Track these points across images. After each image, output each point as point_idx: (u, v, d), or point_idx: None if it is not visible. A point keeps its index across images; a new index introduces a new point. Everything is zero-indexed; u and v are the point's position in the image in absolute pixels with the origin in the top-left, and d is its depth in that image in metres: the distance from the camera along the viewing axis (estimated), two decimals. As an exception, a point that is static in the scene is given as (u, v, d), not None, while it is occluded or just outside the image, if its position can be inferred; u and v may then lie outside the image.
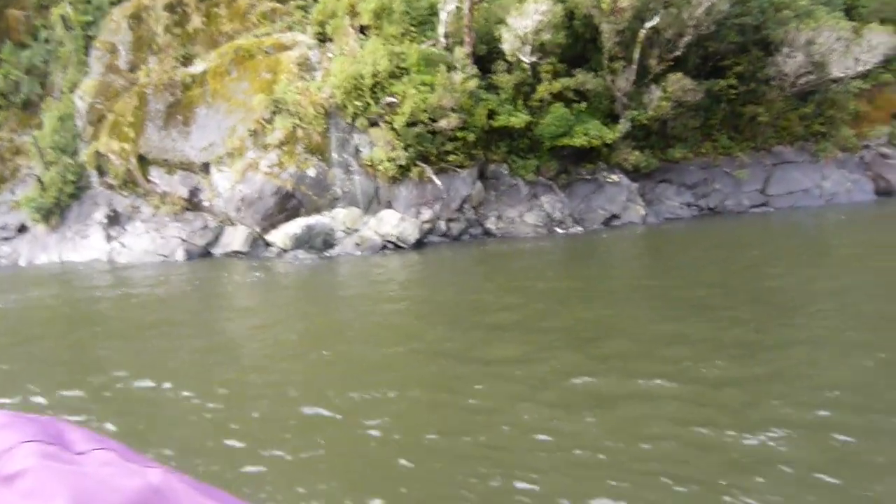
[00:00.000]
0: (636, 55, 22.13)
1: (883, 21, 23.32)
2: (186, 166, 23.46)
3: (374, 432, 6.65)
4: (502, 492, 5.34)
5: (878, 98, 24.07)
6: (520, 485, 5.40)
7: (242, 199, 21.42)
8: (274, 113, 21.95)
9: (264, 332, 11.74)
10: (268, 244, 21.22)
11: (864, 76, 23.00)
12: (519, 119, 21.54)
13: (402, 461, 5.97)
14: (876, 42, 22.01)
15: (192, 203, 23.31)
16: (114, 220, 24.32)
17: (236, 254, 21.39)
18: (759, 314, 10.08)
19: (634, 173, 22.61)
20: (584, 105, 22.23)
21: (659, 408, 6.82)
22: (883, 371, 7.47)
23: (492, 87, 22.04)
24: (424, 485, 5.57)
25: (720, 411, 6.58)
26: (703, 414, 6.55)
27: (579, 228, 21.24)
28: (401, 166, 21.15)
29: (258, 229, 21.43)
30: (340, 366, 9.13)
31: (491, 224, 21.29)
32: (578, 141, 21.66)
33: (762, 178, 23.24)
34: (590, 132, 21.72)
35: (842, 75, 22.65)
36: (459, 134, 21.35)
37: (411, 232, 20.22)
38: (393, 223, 20.48)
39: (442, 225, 20.94)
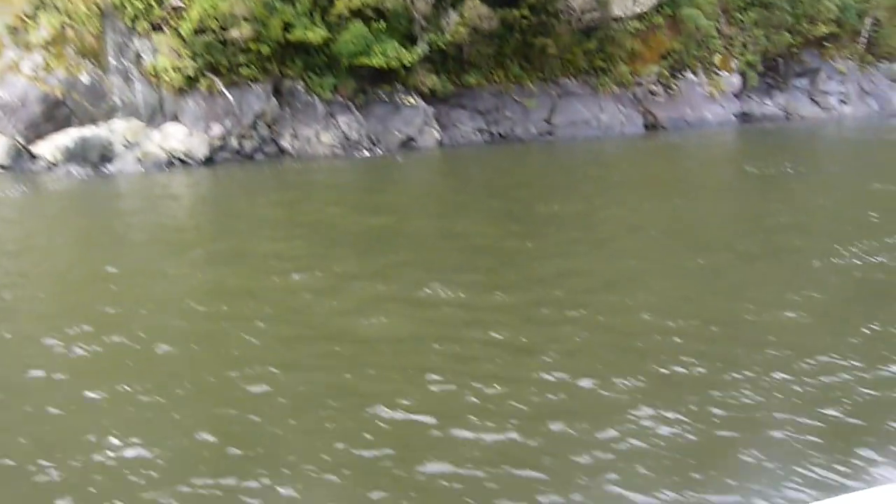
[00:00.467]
0: (436, -23, 22.15)
1: (659, -34, 25.10)
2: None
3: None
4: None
5: (651, 39, 26.10)
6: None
7: (2, 105, 19.05)
8: (37, 8, 19.49)
9: (21, 251, 10.76)
10: (34, 157, 19.15)
11: (640, 17, 24.81)
12: (316, 34, 20.89)
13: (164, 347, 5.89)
14: (652, -15, 23.75)
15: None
16: None
17: (-5, 166, 19.12)
18: (533, 225, 10.88)
19: (431, 97, 22.94)
20: (383, 24, 21.98)
21: (438, 310, 7.27)
22: (636, 265, 8.45)
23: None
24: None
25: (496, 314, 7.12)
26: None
27: (376, 150, 21.34)
28: (188, 77, 19.83)
29: (22, 140, 19.23)
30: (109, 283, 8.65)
31: (286, 143, 20.75)
32: (377, 61, 21.48)
33: (548, 107, 24.58)
34: (388, 53, 21.59)
35: (622, 15, 24.29)
36: (253, 46, 20.34)
37: (200, 148, 19.20)
38: (180, 138, 19.30)
39: (233, 142, 20.06)
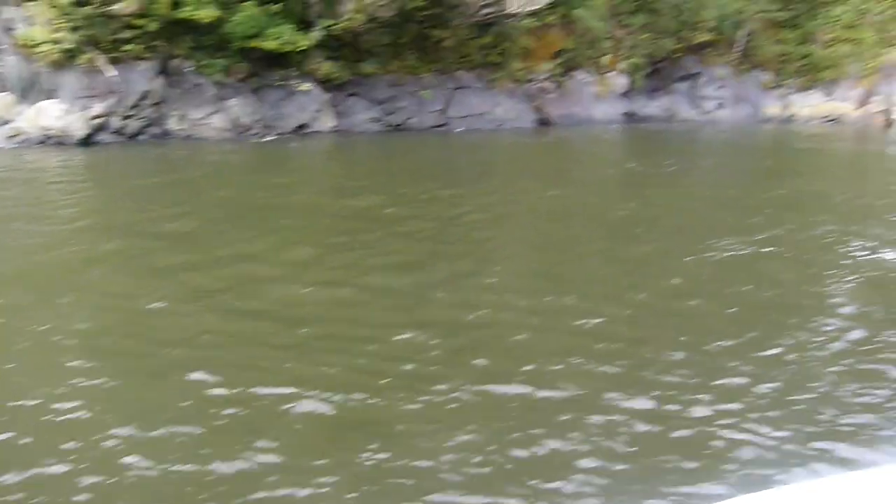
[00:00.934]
0: (333, -38, 21.90)
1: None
2: None
3: None
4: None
5: (544, 37, 26.79)
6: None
7: None
8: None
9: None
10: None
11: (534, 15, 25.41)
12: (207, 13, 20.22)
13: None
14: (545, -16, 24.41)
15: None
16: None
17: None
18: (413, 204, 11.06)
19: (326, 84, 22.69)
20: (278, 6, 21.53)
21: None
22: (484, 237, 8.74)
23: (178, -26, 20.33)
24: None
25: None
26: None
27: (268, 135, 20.92)
28: (66, 50, 18.78)
29: None
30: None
31: (173, 124, 20.01)
32: (271, 44, 21.06)
33: (444, 99, 24.82)
34: (283, 36, 21.20)
35: (517, 11, 24.81)
36: (139, 21, 19.49)
37: (78, 127, 18.23)
38: (55, 115, 18.25)
39: (116, 121, 19.17)
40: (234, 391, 5.42)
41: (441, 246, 9.90)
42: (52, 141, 17.97)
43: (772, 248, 10.04)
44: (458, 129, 24.41)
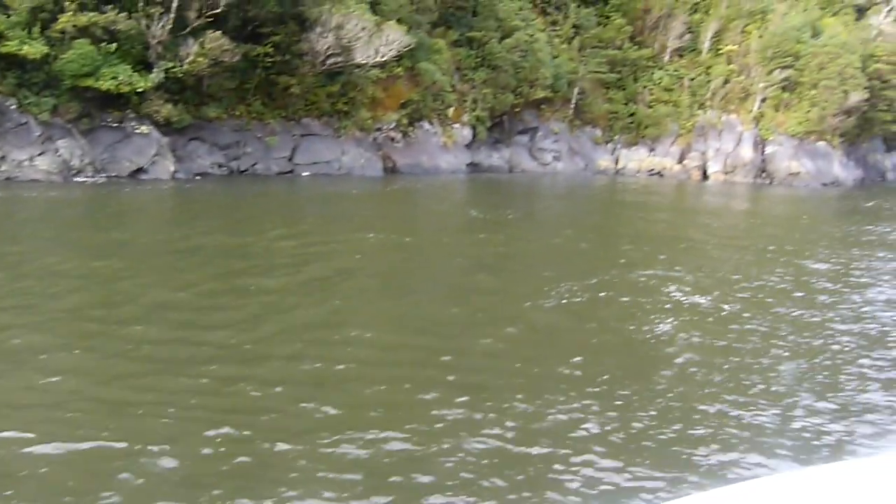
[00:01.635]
0: (175, 3, 21.44)
1: (400, 21, 26.66)
2: None
3: None
4: None
5: (391, 88, 27.52)
6: None
7: None
8: None
9: None
10: None
11: (381, 66, 26.04)
12: (34, 49, 19.14)
13: None
14: (392, 38, 25.17)
15: None
16: None
17: None
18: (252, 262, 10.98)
19: (166, 127, 21.98)
20: (113, 46, 20.72)
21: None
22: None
23: (2, 6, 19.15)
24: None
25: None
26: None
27: (101, 178, 19.93)
28: None
29: None
30: None
31: (-7, 165, 18.61)
32: (105, 84, 20.20)
33: (290, 146, 24.77)
34: (119, 76, 20.40)
35: (364, 62, 25.30)
36: (-46, 55, 18.12)
37: None
38: None
39: (-77, 160, 17.58)
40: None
41: (276, 297, 9.88)
42: None
43: (605, 293, 10.93)
44: (305, 174, 24.39)
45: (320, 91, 25.67)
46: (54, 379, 6.60)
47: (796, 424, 6.59)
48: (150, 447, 5.39)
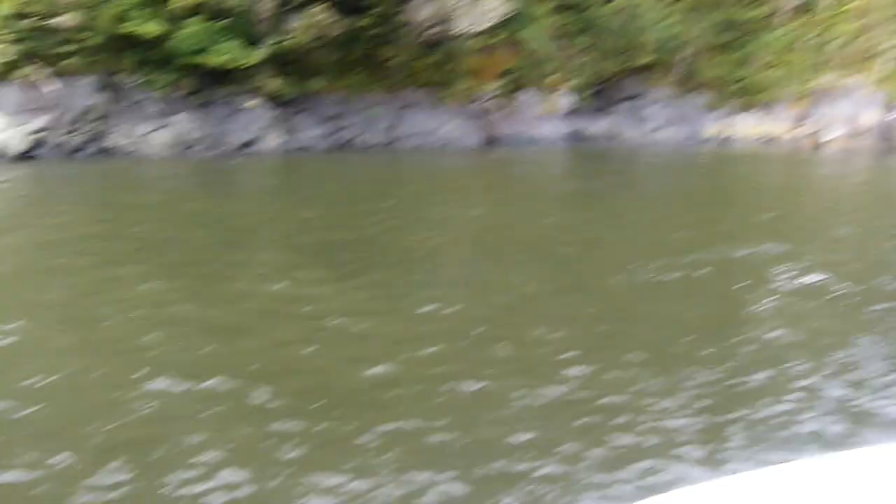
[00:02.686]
0: (281, -21, 21.99)
1: (500, -13, 26.29)
2: None
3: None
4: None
5: (491, 57, 27.27)
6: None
7: None
8: None
9: None
10: None
11: (481, 35, 25.86)
12: (152, 28, 20.12)
13: None
14: (492, 6, 24.93)
15: None
16: None
17: None
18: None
19: (273, 100, 22.71)
20: (225, 22, 21.51)
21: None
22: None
23: (120, -12, 20.19)
24: None
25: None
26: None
27: (213, 152, 20.86)
28: (5, 63, 18.49)
29: None
30: None
31: (115, 140, 19.82)
32: (217, 60, 21.03)
33: (392, 117, 25.07)
34: (229, 52, 21.18)
35: (464, 31, 25.23)
36: (81, 35, 19.27)
37: (16, 142, 17.94)
38: (-7, 130, 17.93)
39: (56, 137, 18.91)
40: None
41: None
42: (-12, 156, 17.65)
43: (704, 271, 10.61)
44: (405, 146, 24.68)
45: (421, 62, 25.77)
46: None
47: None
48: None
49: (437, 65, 26.01)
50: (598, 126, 30.68)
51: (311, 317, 8.10)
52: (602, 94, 31.17)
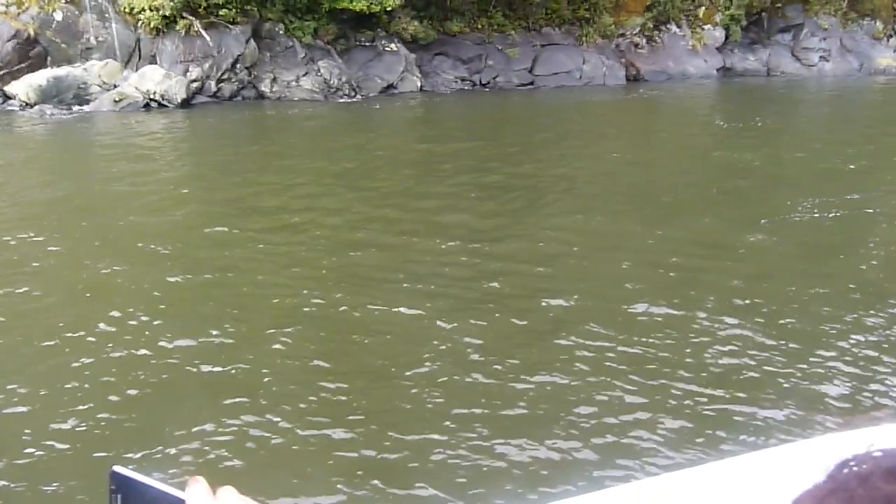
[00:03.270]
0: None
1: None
2: None
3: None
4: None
5: (635, -10, 25.92)
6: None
7: (-28, 41, 18.61)
8: (8, -59, 18.92)
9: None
10: (7, 97, 18.79)
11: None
12: (297, -23, 20.55)
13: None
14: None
15: None
16: None
17: (-32, 105, 18.75)
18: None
19: (412, 44, 22.72)
20: (365, -32, 21.61)
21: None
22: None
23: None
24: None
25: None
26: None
27: (357, 96, 21.17)
28: (165, 17, 19.46)
29: (-6, 78, 18.84)
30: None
31: (265, 87, 20.51)
32: (358, 5, 21.19)
33: (531, 57, 24.43)
34: (370, -3, 21.31)
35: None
36: (232, -13, 19.95)
37: (177, 90, 18.90)
38: (157, 80, 18.97)
39: (212, 85, 19.81)
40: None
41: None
42: (154, 104, 18.73)
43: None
44: (545, 86, 23.98)
45: (560, -1, 24.90)
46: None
47: None
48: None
49: (577, 1, 25.02)
50: (752, 60, 28.58)
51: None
52: (757, 25, 28.92)
